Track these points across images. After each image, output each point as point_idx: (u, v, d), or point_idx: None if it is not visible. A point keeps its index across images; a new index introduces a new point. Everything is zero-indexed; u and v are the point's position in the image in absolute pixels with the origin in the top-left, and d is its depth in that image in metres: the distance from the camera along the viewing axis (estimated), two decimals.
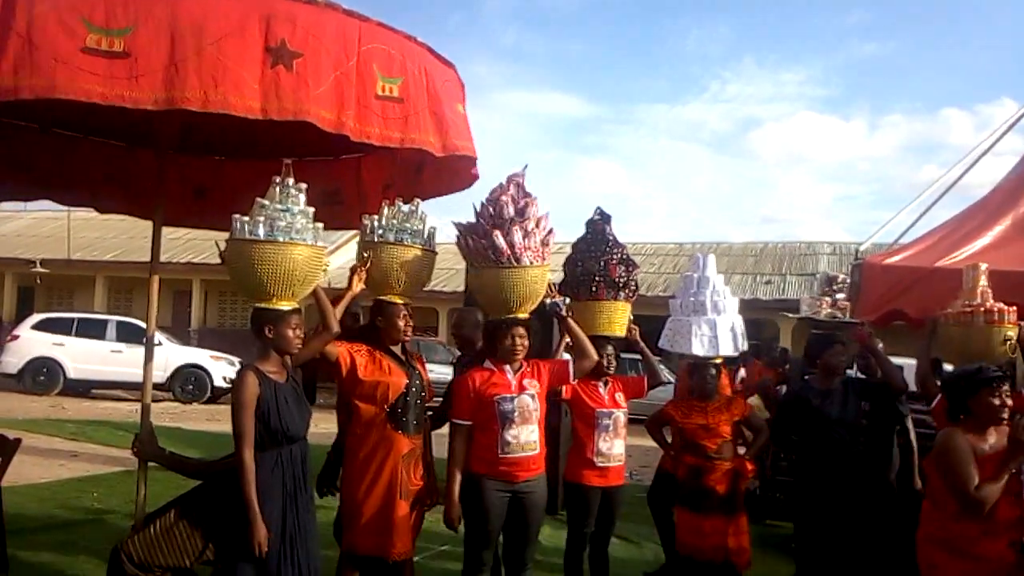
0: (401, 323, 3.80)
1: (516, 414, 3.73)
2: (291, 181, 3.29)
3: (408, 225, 3.83)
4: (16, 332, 15.68)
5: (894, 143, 71.28)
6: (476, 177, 4.22)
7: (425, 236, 3.89)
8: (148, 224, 4.38)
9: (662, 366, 5.14)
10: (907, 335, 5.48)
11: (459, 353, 4.88)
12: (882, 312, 5.57)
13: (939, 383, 3.65)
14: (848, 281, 5.88)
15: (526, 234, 3.80)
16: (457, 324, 4.77)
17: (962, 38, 71.61)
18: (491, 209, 3.87)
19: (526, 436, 3.76)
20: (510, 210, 3.84)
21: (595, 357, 3.99)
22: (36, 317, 16.21)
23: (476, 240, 3.86)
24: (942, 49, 71.60)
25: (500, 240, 3.77)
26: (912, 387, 4.75)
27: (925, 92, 69.06)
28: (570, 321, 3.99)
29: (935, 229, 6.11)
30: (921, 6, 73.08)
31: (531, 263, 3.82)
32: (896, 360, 4.98)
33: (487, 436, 3.74)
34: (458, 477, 3.74)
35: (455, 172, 4.20)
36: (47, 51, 2.77)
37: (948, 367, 4.90)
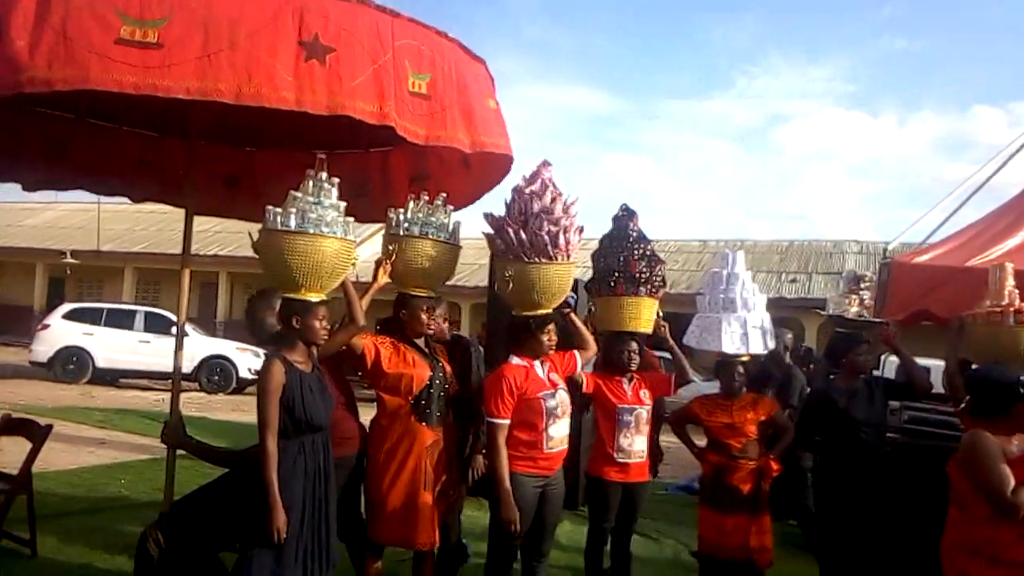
0: (424, 316, 3.83)
1: (559, 410, 3.79)
2: (324, 175, 3.33)
3: (433, 219, 3.85)
4: (47, 321, 15.98)
5: (923, 140, 70.43)
6: (502, 174, 4.23)
7: (449, 230, 3.91)
8: (177, 217, 4.45)
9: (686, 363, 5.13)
10: (934, 335, 5.42)
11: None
12: (909, 312, 5.51)
13: (969, 381, 3.58)
14: (875, 280, 5.82)
15: (553, 230, 3.81)
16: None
17: (994, 33, 70.47)
18: (520, 205, 3.88)
19: (563, 430, 3.82)
20: (537, 206, 3.84)
21: (593, 347, 4.15)
22: (66, 307, 16.48)
23: (503, 236, 3.88)
24: (974, 45, 70.65)
25: (523, 236, 3.79)
26: (938, 388, 4.70)
27: (956, 89, 68.12)
28: (572, 314, 4.07)
29: (964, 228, 6.03)
30: (953, 1, 71.92)
31: (557, 259, 3.83)
32: (922, 361, 4.92)
33: (530, 433, 3.75)
34: (507, 475, 3.69)
35: (497, 167, 4.22)
36: (81, 43, 2.81)
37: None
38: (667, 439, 5.03)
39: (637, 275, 4.40)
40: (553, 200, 3.87)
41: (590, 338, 4.17)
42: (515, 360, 3.85)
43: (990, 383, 3.18)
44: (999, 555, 2.94)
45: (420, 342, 3.88)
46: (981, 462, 2.97)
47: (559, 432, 3.79)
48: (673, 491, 8.16)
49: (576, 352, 4.10)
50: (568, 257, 3.88)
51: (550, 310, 3.91)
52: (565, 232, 3.86)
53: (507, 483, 3.66)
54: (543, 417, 3.74)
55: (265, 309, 3.79)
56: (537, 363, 3.85)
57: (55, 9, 2.84)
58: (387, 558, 4.04)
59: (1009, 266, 4.18)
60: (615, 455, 4.31)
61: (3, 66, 2.80)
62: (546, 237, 3.79)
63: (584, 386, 4.27)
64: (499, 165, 4.15)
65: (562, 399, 3.83)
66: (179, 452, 4.00)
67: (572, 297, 4.11)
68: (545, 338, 3.82)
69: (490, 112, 3.80)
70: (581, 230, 3.96)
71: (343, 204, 3.35)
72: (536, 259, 3.81)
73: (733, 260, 4.79)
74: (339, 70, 3.07)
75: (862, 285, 5.57)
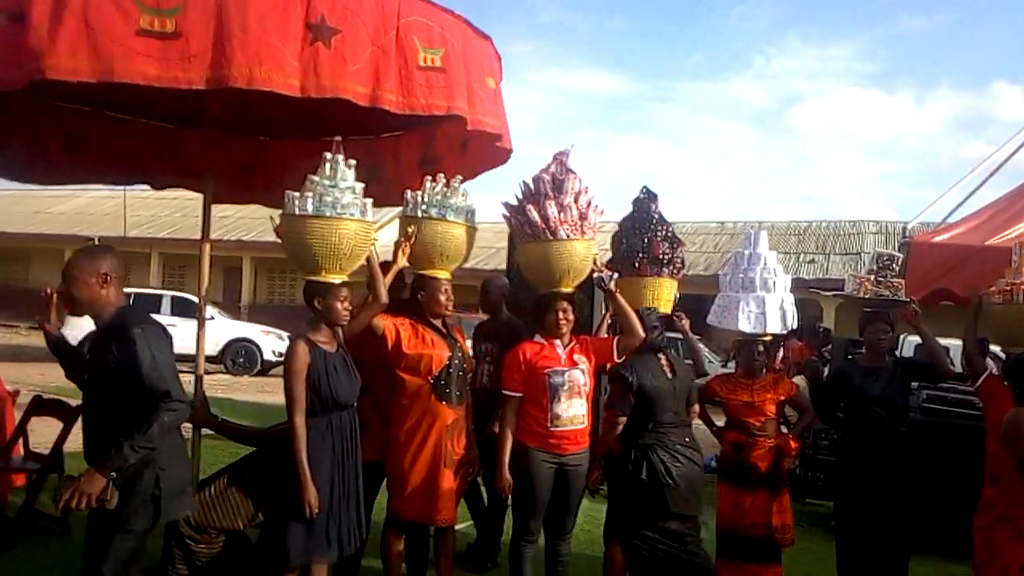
0: (443, 297, 3.88)
1: (566, 388, 3.82)
2: (341, 158, 3.37)
3: (451, 201, 3.89)
4: None
5: (941, 119, 69.23)
6: (507, 152, 4.25)
7: (467, 212, 3.96)
8: (200, 202, 4.52)
9: (702, 345, 5.14)
10: (954, 315, 5.39)
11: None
12: (929, 291, 5.49)
13: (1010, 367, 3.55)
14: (900, 259, 5.80)
15: (561, 208, 3.86)
16: (483, 291, 4.82)
17: (1014, 9, 68.79)
18: (531, 185, 3.94)
19: (575, 410, 3.85)
20: (547, 185, 3.90)
21: (641, 334, 3.94)
22: None
23: (516, 216, 3.96)
24: (993, 21, 68.94)
25: (534, 214, 3.85)
26: (958, 368, 4.68)
27: (974, 66, 66.75)
28: (618, 296, 3.97)
29: (984, 208, 5.99)
30: None
31: (568, 236, 3.87)
32: (942, 341, 4.90)
33: (537, 409, 3.83)
34: (508, 446, 3.83)
35: (493, 147, 4.25)
36: (104, 33, 2.85)
37: (995, 348, 4.81)
38: None
39: (660, 256, 4.42)
40: (566, 180, 3.90)
41: (636, 324, 3.91)
42: (536, 337, 3.93)
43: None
44: None
45: (438, 323, 3.93)
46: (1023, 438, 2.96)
47: (567, 411, 3.81)
48: None
49: (616, 339, 4.03)
50: (583, 234, 3.91)
51: (569, 288, 3.95)
52: (577, 210, 3.89)
53: (505, 453, 3.81)
54: (547, 393, 3.79)
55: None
56: (559, 342, 3.90)
57: None
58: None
59: None
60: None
61: (25, 53, 2.84)
62: (559, 215, 3.83)
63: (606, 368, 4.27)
64: (493, 145, 4.16)
65: (574, 378, 3.84)
66: (205, 431, 4.10)
67: (610, 276, 4.06)
68: (553, 316, 3.86)
69: (489, 91, 3.81)
70: (598, 209, 3.99)
71: (360, 186, 3.39)
72: (550, 237, 3.86)
73: (755, 240, 4.80)
74: (344, 53, 3.10)
75: (893, 264, 5.52)
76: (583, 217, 3.93)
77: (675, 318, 4.54)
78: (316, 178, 3.32)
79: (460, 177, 4.00)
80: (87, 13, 2.85)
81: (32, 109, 4.16)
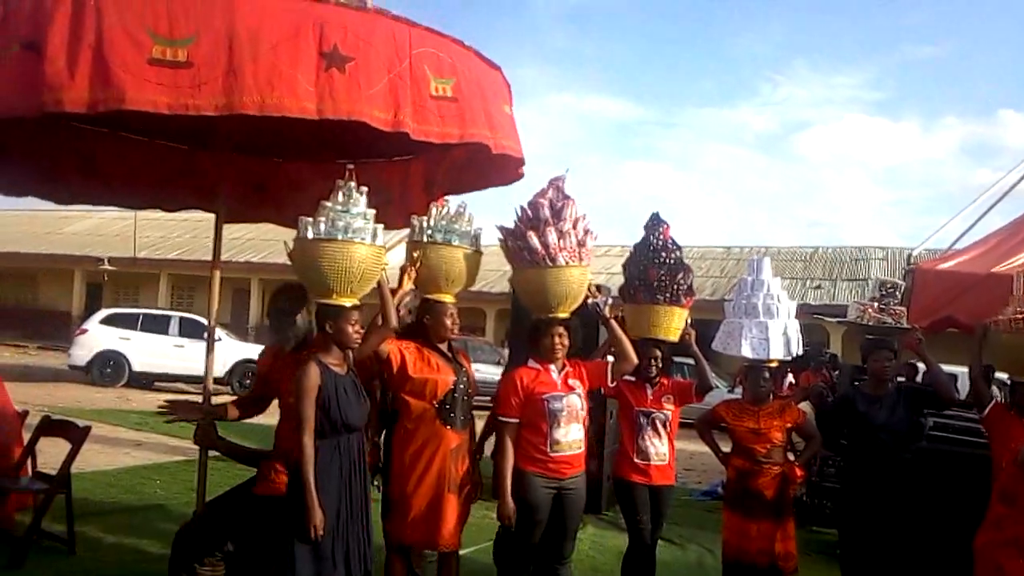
0: (448, 321, 3.90)
1: (564, 413, 3.84)
2: (353, 184, 3.43)
3: (456, 226, 3.93)
4: (85, 327, 16.37)
5: (948, 146, 69.12)
6: (521, 175, 4.32)
7: (472, 237, 3.99)
8: (211, 224, 4.58)
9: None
10: (959, 342, 5.38)
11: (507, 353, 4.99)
12: (934, 318, 5.49)
13: (1009, 389, 3.57)
14: (903, 286, 5.80)
15: (561, 234, 3.89)
16: None
17: (1021, 37, 69.00)
18: (529, 211, 3.98)
19: (573, 435, 3.87)
20: (546, 211, 3.93)
21: (633, 360, 4.03)
22: (103, 312, 16.89)
23: (514, 241, 3.99)
24: (1000, 49, 69.10)
25: (534, 240, 3.88)
26: (963, 395, 4.67)
27: (981, 93, 66.76)
28: (612, 322, 4.04)
29: (990, 235, 6.00)
30: (978, 5, 70.56)
31: (567, 263, 3.90)
32: (947, 368, 4.89)
33: (535, 434, 3.85)
34: (509, 473, 3.83)
35: (501, 169, 4.31)
36: (117, 63, 2.92)
37: (1001, 375, 4.81)
38: (693, 446, 5.05)
39: (655, 284, 4.42)
40: (564, 206, 3.94)
41: (629, 350, 4.02)
42: (530, 362, 3.96)
43: None
44: None
45: (443, 347, 3.96)
46: None
47: (565, 436, 3.83)
48: (698, 496, 8.17)
49: (610, 364, 4.08)
50: (580, 260, 3.94)
51: (565, 314, 3.97)
52: (575, 237, 3.93)
53: (507, 480, 3.80)
54: (546, 418, 3.81)
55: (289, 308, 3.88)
56: (553, 367, 3.92)
57: (88, 26, 2.94)
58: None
59: None
60: (634, 458, 4.33)
61: (43, 84, 2.92)
62: (559, 241, 3.87)
63: (604, 390, 4.30)
64: (503, 170, 4.24)
65: (571, 403, 3.86)
66: (212, 453, 4.11)
67: (604, 302, 4.10)
68: (548, 340, 3.89)
69: (506, 117, 3.90)
70: (593, 235, 4.01)
71: (372, 211, 3.45)
72: (549, 263, 3.89)
73: (759, 266, 4.83)
74: (358, 78, 3.17)
75: (886, 291, 5.53)
76: (581, 244, 3.96)
77: (685, 336, 4.54)
78: (329, 203, 3.37)
79: (465, 202, 4.06)
80: (101, 44, 2.92)
81: (47, 129, 4.24)
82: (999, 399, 4.00)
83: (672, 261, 4.50)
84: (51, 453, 5.15)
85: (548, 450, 3.82)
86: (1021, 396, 3.87)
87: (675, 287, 4.44)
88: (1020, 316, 3.97)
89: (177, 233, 26.33)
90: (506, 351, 13.21)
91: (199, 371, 4.42)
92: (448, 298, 3.94)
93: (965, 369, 4.44)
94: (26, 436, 5.08)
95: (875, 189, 67.23)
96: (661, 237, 4.60)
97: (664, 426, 4.40)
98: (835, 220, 64.48)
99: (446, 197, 4.02)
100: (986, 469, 3.87)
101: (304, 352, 3.56)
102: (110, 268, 24.07)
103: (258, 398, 4.04)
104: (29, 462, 4.94)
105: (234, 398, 4.31)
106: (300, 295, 3.75)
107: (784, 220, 65.16)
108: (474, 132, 3.58)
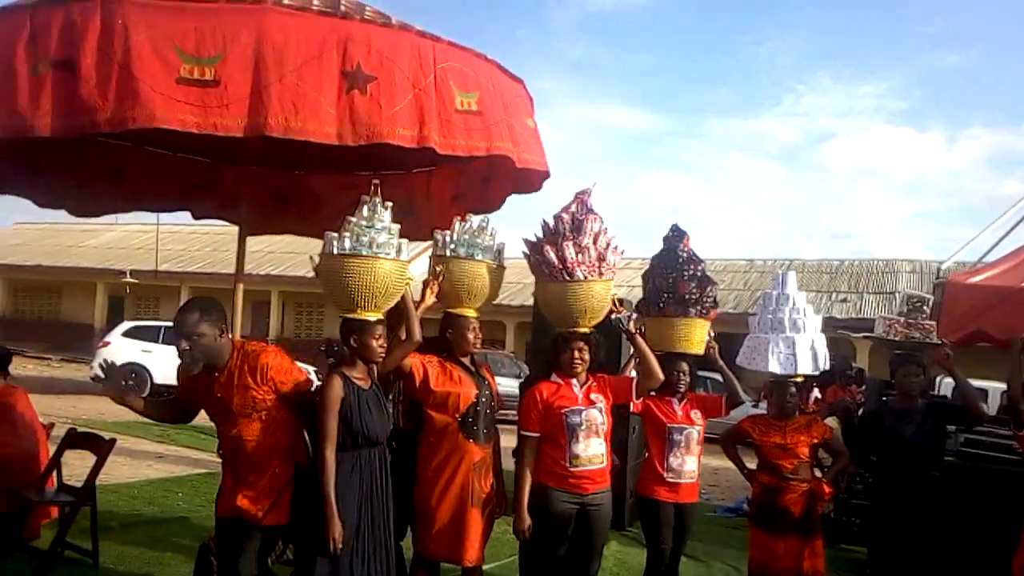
0: (471, 335, 3.90)
1: (583, 427, 3.81)
2: (378, 199, 3.44)
3: (479, 241, 3.93)
4: (107, 339, 16.56)
5: (975, 156, 68.38)
6: (542, 185, 4.31)
7: (495, 251, 3.99)
8: (232, 237, 4.63)
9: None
10: (990, 357, 5.30)
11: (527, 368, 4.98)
12: (964, 332, 5.41)
13: None
14: (931, 300, 5.73)
15: (580, 249, 3.89)
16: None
17: None
18: (550, 225, 3.99)
19: (593, 449, 3.83)
20: (566, 225, 3.94)
21: (660, 376, 3.98)
22: (125, 325, 17.06)
23: (534, 255, 4.00)
24: None
25: (551, 255, 3.89)
26: (994, 410, 4.59)
27: (1009, 103, 66.07)
28: (637, 337, 4.00)
29: (1020, 248, 5.90)
30: (1005, 13, 69.99)
31: (585, 277, 3.89)
32: (978, 383, 4.82)
33: (555, 449, 3.83)
34: (527, 488, 3.82)
35: (525, 182, 4.31)
36: (146, 82, 2.95)
37: None
38: (717, 461, 4.99)
39: (687, 296, 4.38)
40: (585, 220, 3.93)
41: (655, 366, 3.94)
42: (553, 376, 3.94)
43: None
44: None
45: (466, 360, 3.95)
46: None
47: (585, 451, 3.80)
48: (722, 513, 8.08)
49: (634, 378, 4.04)
50: (600, 275, 3.93)
51: (586, 328, 3.96)
52: (595, 251, 3.92)
53: (524, 495, 3.80)
54: (565, 432, 3.79)
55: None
56: (575, 381, 3.90)
57: (117, 44, 2.98)
58: None
59: None
60: (665, 475, 4.28)
61: (79, 106, 2.96)
62: (576, 256, 3.87)
63: (633, 406, 4.27)
64: (527, 183, 4.24)
65: (591, 417, 3.83)
66: None
67: (628, 317, 4.07)
68: (568, 355, 3.87)
69: (529, 131, 3.91)
70: (617, 249, 4.00)
71: (396, 226, 3.45)
72: (566, 278, 3.89)
73: (784, 280, 4.79)
74: (379, 98, 3.18)
75: (924, 306, 5.48)
76: (601, 258, 3.94)
77: (709, 348, 4.49)
78: (354, 219, 3.38)
79: (488, 217, 4.06)
80: (130, 63, 2.96)
81: (76, 144, 4.29)
82: None
83: (700, 273, 4.48)
84: (75, 465, 5.18)
85: (568, 464, 3.80)
86: None
87: (704, 299, 4.41)
88: None
89: (198, 246, 26.60)
90: (525, 365, 13.18)
91: None
92: (471, 312, 3.93)
93: (995, 384, 4.36)
94: (51, 448, 5.11)
95: (900, 200, 66.67)
96: (685, 249, 4.57)
97: (697, 442, 4.36)
98: (859, 231, 63.92)
99: (470, 214, 4.00)
100: (1019, 486, 3.79)
101: (221, 371, 3.35)
102: (132, 281, 24.32)
103: (176, 403, 3.66)
104: (55, 474, 4.97)
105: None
106: (210, 307, 3.33)
107: (807, 231, 64.79)
108: (499, 145, 3.59)
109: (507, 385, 11.01)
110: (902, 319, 4.82)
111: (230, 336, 3.44)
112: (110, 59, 2.96)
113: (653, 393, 4.29)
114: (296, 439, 3.48)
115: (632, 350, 4.12)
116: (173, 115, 2.97)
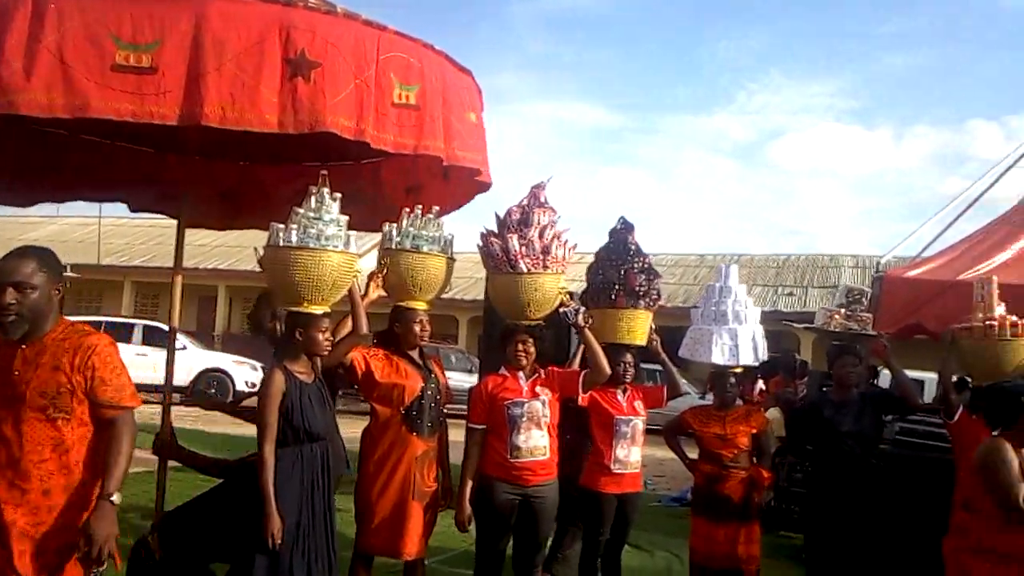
0: (417, 328, 3.88)
1: (524, 419, 3.84)
2: (326, 191, 3.38)
3: (425, 232, 3.91)
4: None
5: (920, 154, 70.48)
6: (484, 186, 4.27)
7: (442, 243, 3.97)
8: (175, 231, 4.49)
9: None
10: (927, 349, 5.45)
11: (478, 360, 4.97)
12: (902, 325, 5.56)
13: (981, 393, 3.64)
14: (870, 294, 5.88)
15: (525, 241, 3.92)
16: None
17: (991, 48, 70.71)
18: (500, 218, 4.01)
19: (534, 441, 3.86)
20: (514, 218, 3.97)
21: (607, 371, 4.04)
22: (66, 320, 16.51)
23: (481, 247, 4.04)
24: (970, 61, 70.77)
25: (495, 246, 3.94)
26: (926, 401, 4.73)
27: (952, 102, 68.26)
28: (586, 331, 4.03)
29: (958, 243, 6.10)
30: (953, 16, 72.23)
31: (529, 270, 3.92)
32: (915, 374, 4.96)
33: (498, 440, 3.87)
34: (470, 480, 3.85)
35: (469, 180, 4.27)
36: (79, 69, 2.84)
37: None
38: (663, 452, 5.05)
39: (637, 288, 4.44)
40: (532, 213, 3.97)
41: (603, 361, 4.01)
42: (501, 369, 3.99)
43: (999, 394, 3.35)
44: (1013, 553, 3.12)
45: (414, 353, 3.92)
46: (999, 470, 3.12)
47: (526, 443, 3.83)
48: (667, 503, 8.19)
49: (583, 373, 4.08)
50: (544, 268, 3.96)
51: (531, 321, 3.98)
52: (540, 244, 3.95)
53: (466, 486, 3.85)
54: (506, 424, 3.83)
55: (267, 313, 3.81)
56: (521, 373, 3.92)
57: (49, 30, 2.86)
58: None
59: (994, 279, 4.23)
60: (612, 466, 4.32)
61: None
62: (520, 248, 3.91)
63: (580, 399, 4.29)
64: (472, 179, 4.17)
65: (533, 410, 3.86)
66: (172, 463, 4.02)
67: (577, 309, 4.09)
68: (512, 348, 3.91)
69: (469, 125, 3.83)
70: (567, 244, 4.03)
71: (345, 218, 3.40)
72: (509, 269, 3.94)
73: (727, 274, 4.87)
74: (323, 86, 3.11)
75: (862, 299, 5.61)
76: (546, 251, 3.97)
77: (651, 340, 4.55)
78: (301, 210, 3.33)
79: (438, 208, 4.02)
80: (62, 48, 2.84)
81: (6, 133, 4.13)
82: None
83: (647, 266, 4.54)
84: None
85: (508, 456, 3.83)
86: (983, 401, 3.93)
87: (651, 292, 4.48)
88: (987, 323, 4.04)
89: (141, 240, 25.91)
90: (476, 360, 13.17)
91: (162, 380, 4.32)
92: (419, 305, 3.91)
93: (932, 375, 4.49)
94: None
95: (849, 197, 68.34)
96: (633, 242, 4.62)
97: (641, 432, 4.42)
98: (811, 228, 65.43)
99: (428, 206, 3.96)
100: (951, 474, 3.91)
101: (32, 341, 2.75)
102: (73, 275, 23.55)
103: None
104: None
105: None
106: (50, 258, 2.93)
107: (761, 228, 65.92)
108: (429, 144, 3.52)
109: (458, 379, 11.06)
110: (842, 311, 4.92)
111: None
112: (38, 42, 2.83)
113: (599, 386, 4.33)
114: (94, 478, 2.79)
115: (579, 344, 4.15)
116: (108, 104, 2.87)
